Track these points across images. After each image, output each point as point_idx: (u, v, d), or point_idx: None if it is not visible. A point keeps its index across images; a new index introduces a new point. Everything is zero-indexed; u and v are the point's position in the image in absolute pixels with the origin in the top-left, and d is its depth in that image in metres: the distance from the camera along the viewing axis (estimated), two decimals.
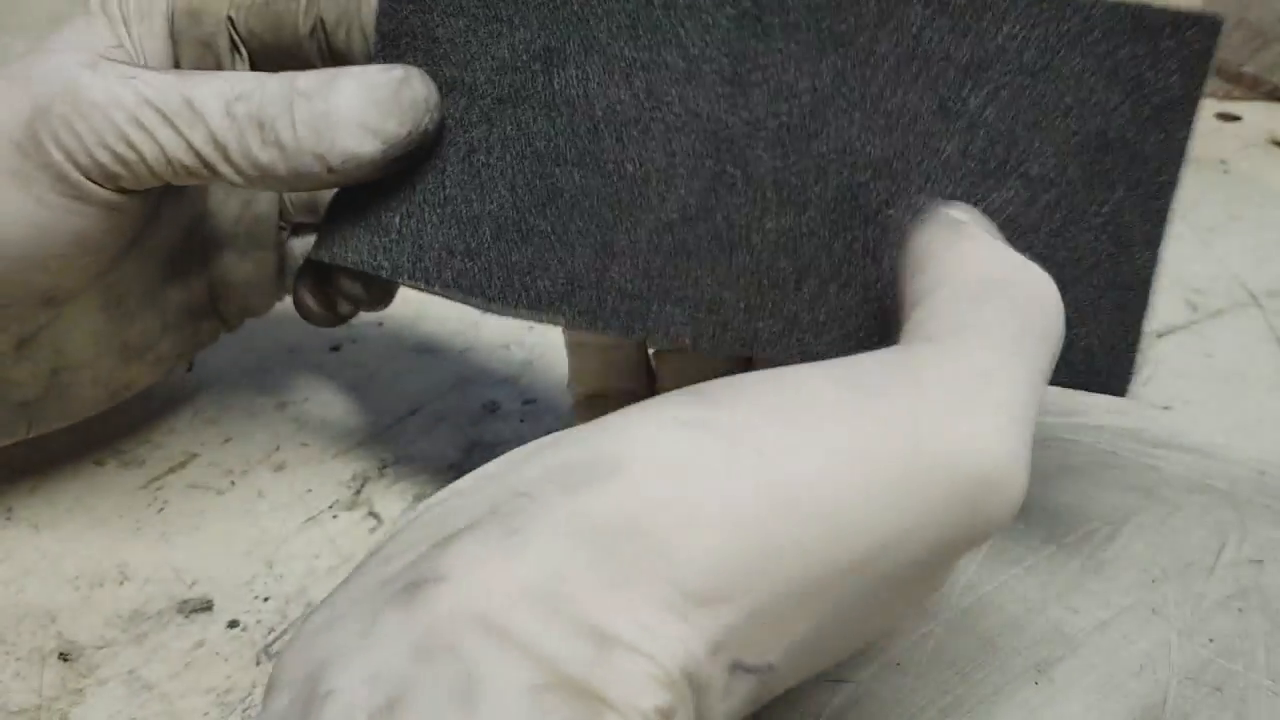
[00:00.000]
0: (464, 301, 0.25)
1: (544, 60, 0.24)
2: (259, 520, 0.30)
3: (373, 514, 0.30)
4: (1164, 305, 0.37)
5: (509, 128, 0.25)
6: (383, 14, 0.26)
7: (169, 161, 0.24)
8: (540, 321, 0.25)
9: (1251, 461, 0.31)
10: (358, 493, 0.31)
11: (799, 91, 0.23)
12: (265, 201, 0.31)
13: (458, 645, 0.15)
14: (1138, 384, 0.34)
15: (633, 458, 0.17)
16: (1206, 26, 0.24)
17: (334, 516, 0.30)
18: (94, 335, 0.28)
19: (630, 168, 0.24)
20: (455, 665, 0.14)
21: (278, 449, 0.32)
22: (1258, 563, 0.28)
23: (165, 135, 0.24)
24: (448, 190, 0.25)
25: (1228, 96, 0.49)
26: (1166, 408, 0.33)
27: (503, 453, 0.33)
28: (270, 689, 0.16)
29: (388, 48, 0.26)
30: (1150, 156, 0.24)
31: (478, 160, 0.25)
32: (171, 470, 0.32)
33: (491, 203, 0.25)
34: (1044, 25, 0.24)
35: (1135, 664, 0.26)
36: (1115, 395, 0.24)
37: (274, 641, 0.26)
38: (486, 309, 0.25)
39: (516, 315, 0.25)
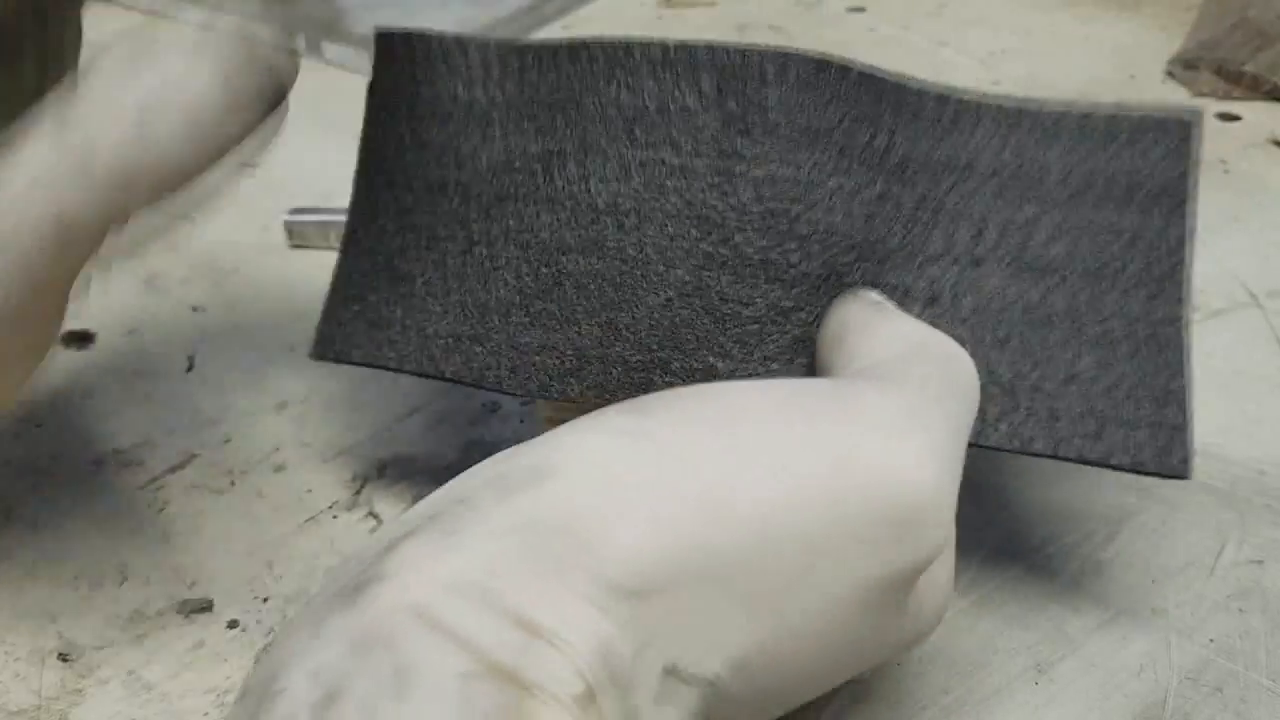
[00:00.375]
0: (472, 385, 0.27)
1: (544, 162, 0.26)
2: (259, 520, 0.30)
3: (373, 514, 0.30)
4: None
5: (510, 222, 0.26)
6: (368, 122, 0.28)
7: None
8: (547, 398, 0.26)
9: (1252, 461, 0.31)
10: (358, 493, 0.31)
11: (780, 180, 0.25)
12: None
13: (392, 638, 0.16)
14: None
15: (566, 463, 0.18)
16: (1179, 129, 0.25)
17: (334, 517, 0.30)
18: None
19: (632, 251, 0.25)
20: (389, 656, 0.15)
21: (278, 449, 0.32)
22: (1258, 563, 0.28)
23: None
24: (450, 282, 0.27)
25: (1228, 96, 0.48)
26: None
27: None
28: (238, 697, 0.17)
29: (373, 154, 0.28)
30: (1152, 244, 0.25)
31: (480, 252, 0.27)
32: (171, 470, 0.32)
33: (498, 290, 0.26)
34: (1019, 131, 0.25)
35: (1135, 664, 0.26)
36: (1178, 477, 0.24)
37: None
38: (496, 389, 0.26)
39: (523, 394, 0.26)
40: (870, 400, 0.20)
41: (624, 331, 0.25)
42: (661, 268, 0.25)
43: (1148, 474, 0.24)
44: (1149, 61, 0.52)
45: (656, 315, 0.25)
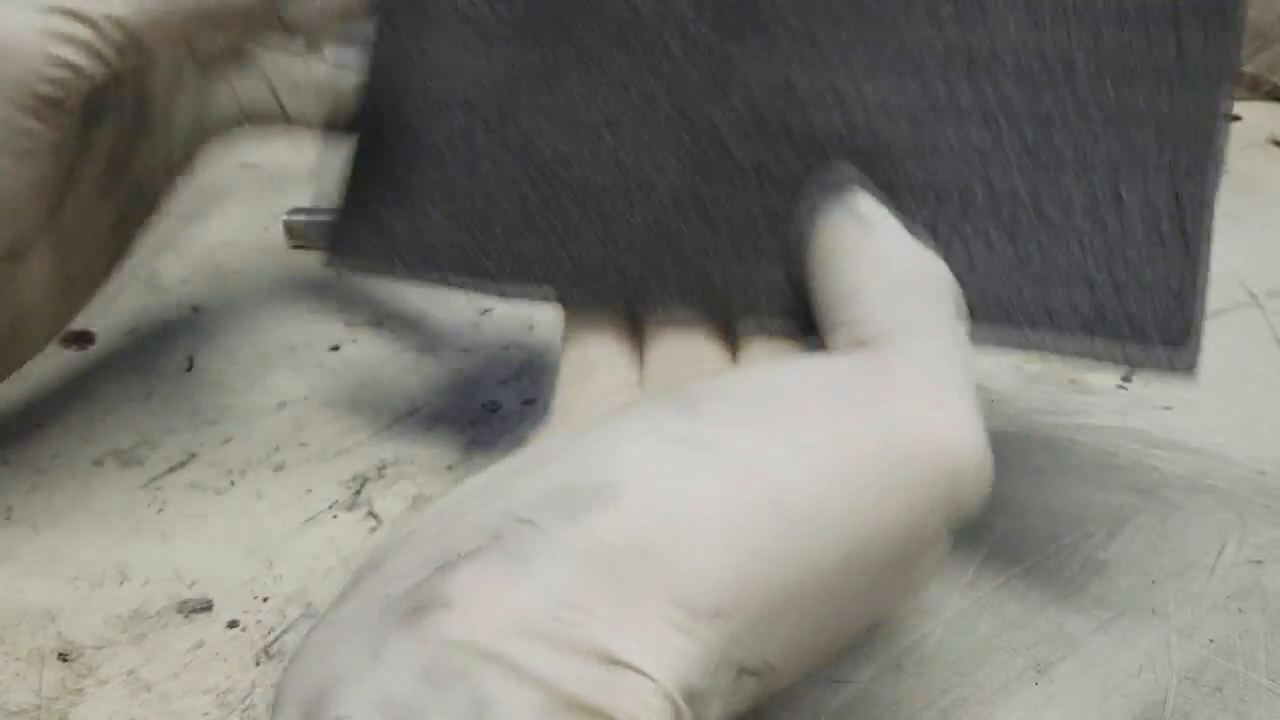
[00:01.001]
0: (476, 290, 0.27)
1: (544, 74, 0.27)
2: (259, 520, 0.30)
3: (372, 514, 0.30)
4: None
5: (511, 135, 0.27)
6: (375, 39, 0.29)
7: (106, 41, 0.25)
8: (547, 300, 0.27)
9: (1251, 462, 0.31)
10: (357, 493, 0.31)
11: (773, 85, 0.25)
12: (182, 115, 0.32)
13: (467, 672, 0.15)
14: (1137, 384, 0.34)
15: (628, 481, 0.18)
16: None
17: (334, 517, 0.30)
18: (46, 277, 0.29)
19: (627, 161, 0.26)
20: (466, 690, 0.15)
21: (277, 449, 0.32)
22: (1258, 563, 0.28)
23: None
24: (455, 194, 0.28)
25: None
26: (1167, 408, 0.33)
27: (502, 454, 0.34)
28: (277, 706, 0.16)
29: (379, 70, 0.29)
30: (1182, 128, 0.23)
31: (484, 167, 0.28)
32: (171, 470, 0.32)
33: (501, 202, 0.27)
34: (1047, 8, 0.24)
35: (1135, 664, 0.26)
36: (1181, 370, 0.23)
37: (273, 642, 0.26)
38: (499, 295, 0.27)
39: (524, 297, 0.27)
40: (900, 375, 0.20)
41: (620, 241, 0.26)
42: (656, 177, 0.26)
43: (1147, 360, 0.23)
44: None
45: (652, 224, 0.26)
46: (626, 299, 0.26)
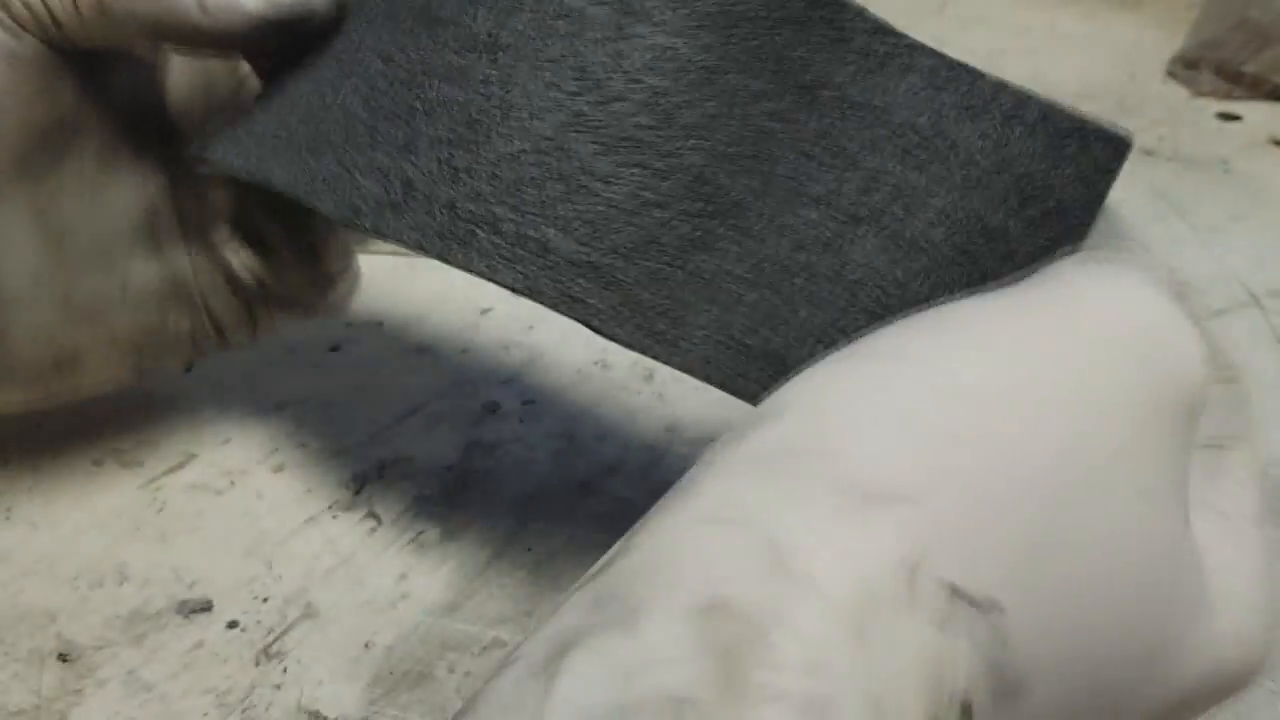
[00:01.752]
0: (294, 197, 0.24)
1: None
2: (258, 521, 0.30)
3: (372, 514, 0.30)
4: None
5: (385, 35, 0.24)
6: None
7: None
8: (358, 228, 0.23)
9: None
10: (357, 493, 0.31)
11: (679, 56, 0.23)
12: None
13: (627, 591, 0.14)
14: None
15: (795, 396, 0.16)
16: (1117, 145, 0.23)
17: (333, 517, 0.30)
18: (30, 270, 0.27)
19: (497, 89, 0.23)
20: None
21: (277, 449, 0.32)
22: None
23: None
24: (305, 90, 0.25)
25: (1228, 96, 0.48)
26: None
27: (502, 454, 0.33)
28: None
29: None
30: (1024, 258, 0.23)
31: (341, 62, 0.25)
32: (170, 471, 0.32)
33: (348, 103, 0.24)
34: (946, 94, 0.23)
35: None
36: None
37: (273, 642, 0.26)
38: (313, 205, 0.24)
39: (336, 217, 0.24)
40: (1078, 271, 0.18)
41: (460, 173, 0.23)
42: (525, 115, 0.23)
43: None
44: (1150, 61, 0.52)
45: (503, 165, 0.22)
46: (445, 245, 0.23)
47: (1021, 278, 0.19)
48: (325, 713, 0.25)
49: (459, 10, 0.24)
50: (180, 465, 0.32)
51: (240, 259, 0.30)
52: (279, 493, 0.31)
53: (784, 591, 0.14)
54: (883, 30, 0.23)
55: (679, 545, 0.15)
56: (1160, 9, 0.57)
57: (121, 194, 0.28)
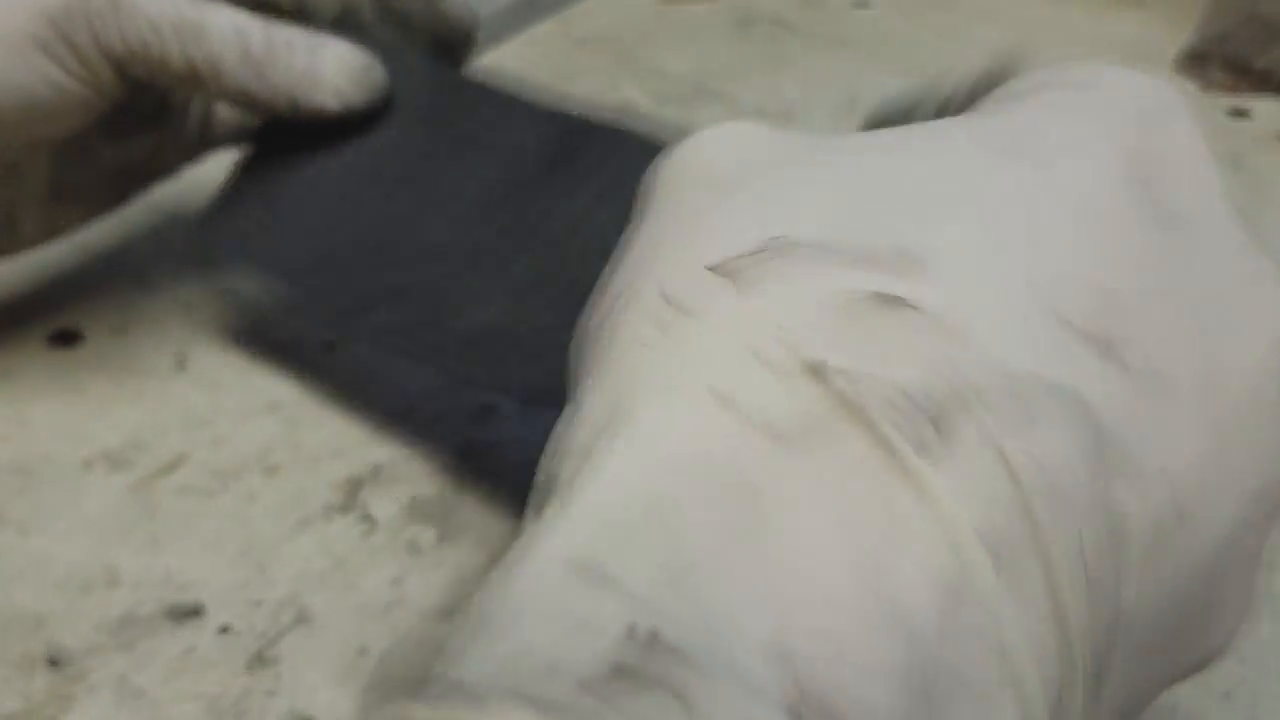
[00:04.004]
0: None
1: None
2: (251, 523, 0.30)
3: (368, 517, 0.30)
4: None
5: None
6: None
7: (173, 68, 0.29)
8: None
9: None
10: (352, 495, 0.30)
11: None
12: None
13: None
14: None
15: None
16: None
17: (328, 519, 0.30)
18: (43, 181, 0.32)
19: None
20: None
21: (270, 450, 0.32)
22: (1268, 567, 0.28)
23: (177, 47, 0.29)
24: (318, 228, 0.31)
25: (1238, 92, 0.48)
26: None
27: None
28: None
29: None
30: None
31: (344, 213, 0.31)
32: (161, 472, 0.31)
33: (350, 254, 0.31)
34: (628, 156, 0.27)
35: None
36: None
37: (266, 647, 0.26)
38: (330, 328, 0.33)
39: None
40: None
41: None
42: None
43: None
44: (1157, 55, 0.52)
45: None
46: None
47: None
48: (319, 719, 0.25)
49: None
50: (171, 467, 0.31)
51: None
52: (272, 495, 0.30)
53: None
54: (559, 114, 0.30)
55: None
56: (1167, 4, 0.56)
57: None
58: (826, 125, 0.47)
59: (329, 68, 0.30)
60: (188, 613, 0.27)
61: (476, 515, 0.30)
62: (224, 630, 0.27)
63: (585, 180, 0.29)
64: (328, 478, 0.31)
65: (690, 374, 0.13)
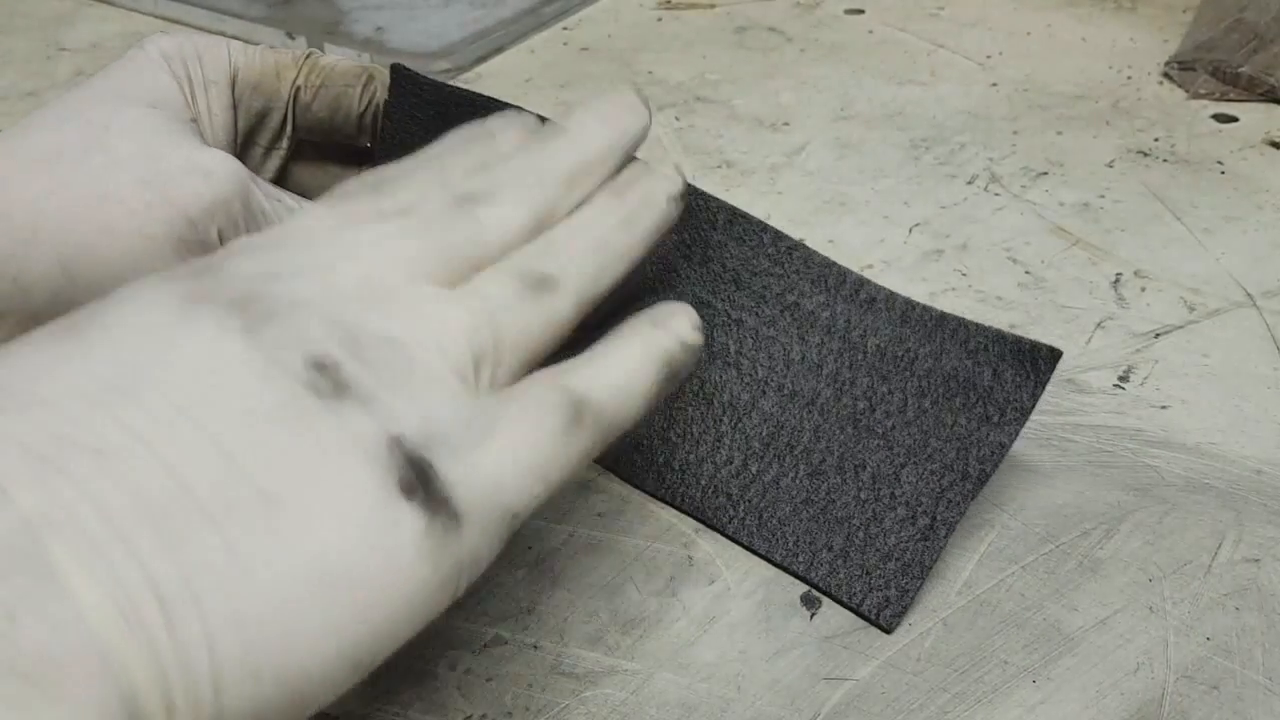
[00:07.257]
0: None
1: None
2: None
3: None
4: (1161, 305, 0.37)
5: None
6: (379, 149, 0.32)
7: None
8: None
9: (1248, 461, 0.31)
10: None
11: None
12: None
13: None
14: (1134, 384, 0.34)
15: None
16: (1048, 356, 0.27)
17: None
18: None
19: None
20: None
21: None
22: (1254, 561, 0.28)
23: None
24: None
25: (1224, 98, 0.49)
26: (1164, 407, 0.33)
27: None
28: None
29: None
30: (973, 445, 0.28)
31: None
32: None
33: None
34: (909, 324, 0.29)
35: (1132, 662, 0.26)
36: (883, 629, 0.27)
37: None
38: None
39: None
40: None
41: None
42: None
43: (861, 615, 0.27)
44: (1146, 63, 0.52)
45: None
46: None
47: None
48: (327, 710, 0.25)
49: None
50: None
51: None
52: None
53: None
54: (861, 282, 0.29)
55: None
56: (1156, 11, 0.57)
57: None
58: (820, 128, 0.48)
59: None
60: None
61: None
62: None
63: None
64: None
65: None
